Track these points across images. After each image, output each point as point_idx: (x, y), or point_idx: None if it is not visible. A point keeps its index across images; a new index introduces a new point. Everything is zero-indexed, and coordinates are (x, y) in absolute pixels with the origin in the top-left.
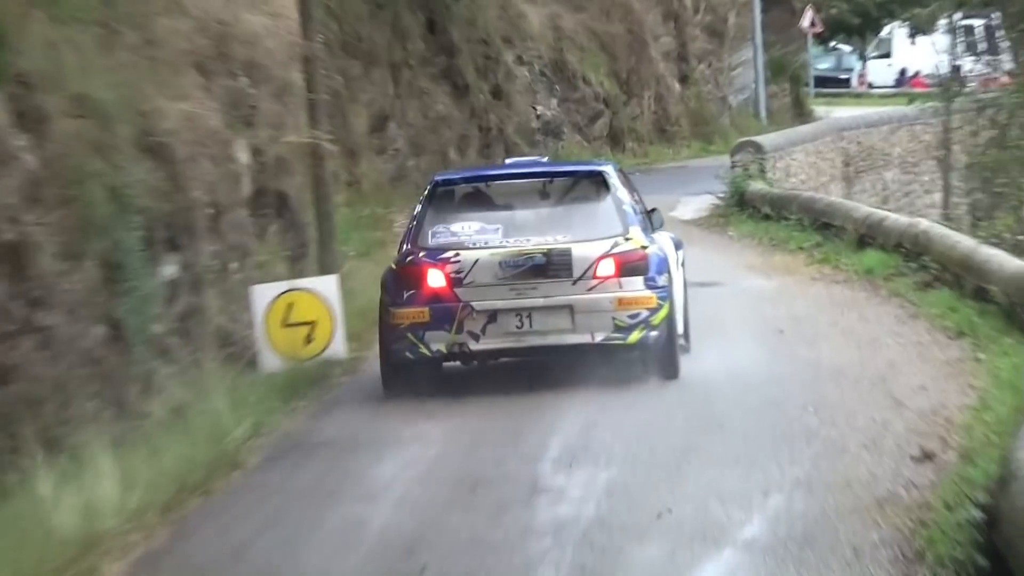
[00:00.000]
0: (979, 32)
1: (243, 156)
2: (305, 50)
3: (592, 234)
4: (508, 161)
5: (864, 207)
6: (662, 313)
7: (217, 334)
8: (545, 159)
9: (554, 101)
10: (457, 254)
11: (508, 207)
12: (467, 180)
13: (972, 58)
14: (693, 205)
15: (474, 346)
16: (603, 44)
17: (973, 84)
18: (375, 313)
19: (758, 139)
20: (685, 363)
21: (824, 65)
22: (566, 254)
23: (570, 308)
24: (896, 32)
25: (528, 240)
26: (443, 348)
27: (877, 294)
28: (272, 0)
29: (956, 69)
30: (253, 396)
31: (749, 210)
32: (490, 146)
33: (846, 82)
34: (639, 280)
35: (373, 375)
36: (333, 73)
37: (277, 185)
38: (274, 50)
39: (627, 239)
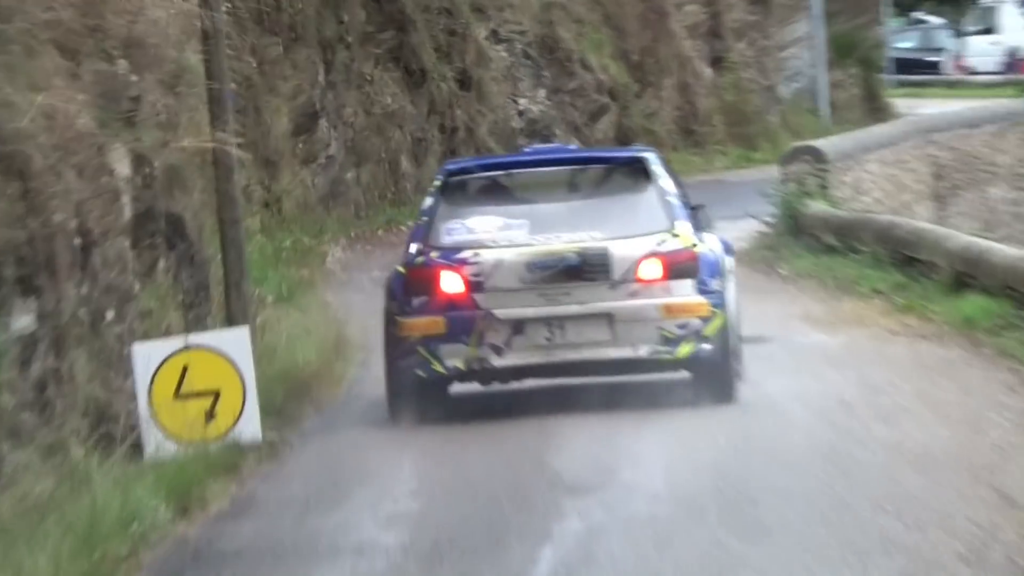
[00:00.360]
0: None
1: (122, 167)
2: (205, 22)
3: (633, 230)
4: (528, 148)
5: (962, 235)
6: (716, 322)
7: (87, 408)
8: (573, 146)
9: (542, 92)
10: (476, 254)
11: (534, 200)
12: (485, 168)
13: None
14: (731, 233)
15: (497, 362)
16: (608, 15)
17: None
18: (301, 377)
19: (818, 144)
20: (725, 442)
21: (907, 44)
22: (603, 253)
23: (609, 317)
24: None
25: (558, 237)
26: (460, 364)
27: (979, 354)
28: None
29: None
30: (136, 491)
31: (806, 239)
32: (456, 152)
33: (936, 66)
34: (689, 284)
35: (302, 465)
36: (244, 54)
37: (168, 206)
38: (163, 22)
39: (674, 235)
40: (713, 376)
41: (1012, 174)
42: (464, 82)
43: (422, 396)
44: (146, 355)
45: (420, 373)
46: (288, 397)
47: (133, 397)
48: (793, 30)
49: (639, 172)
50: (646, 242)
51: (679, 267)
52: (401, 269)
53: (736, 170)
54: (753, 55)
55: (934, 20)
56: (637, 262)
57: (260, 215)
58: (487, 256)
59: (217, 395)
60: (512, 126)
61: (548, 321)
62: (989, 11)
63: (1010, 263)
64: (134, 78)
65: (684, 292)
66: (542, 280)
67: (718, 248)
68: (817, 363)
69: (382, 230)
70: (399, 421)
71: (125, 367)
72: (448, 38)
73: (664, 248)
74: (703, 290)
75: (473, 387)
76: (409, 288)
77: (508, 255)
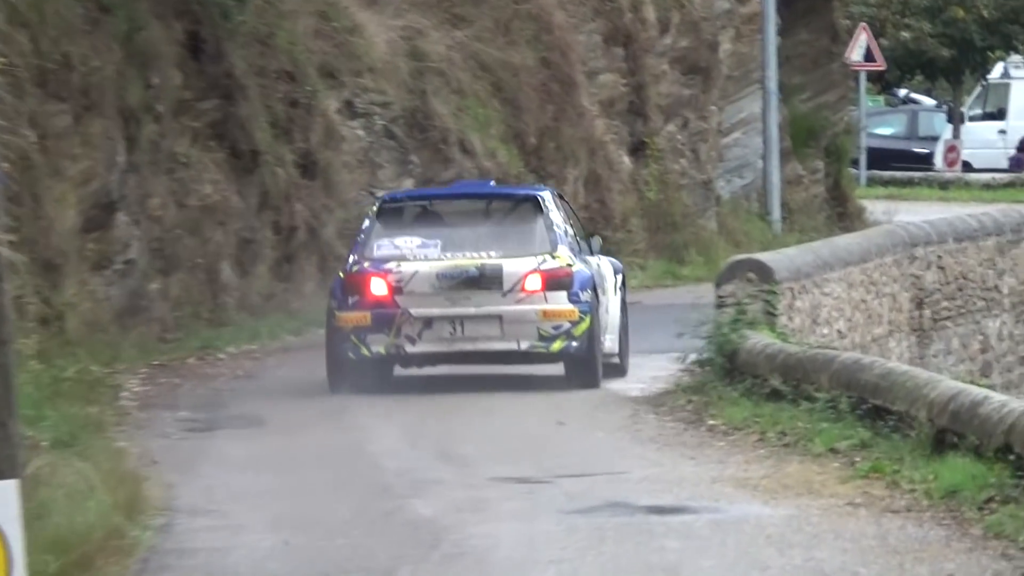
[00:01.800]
0: None
1: None
2: None
3: (522, 251)
4: (455, 183)
5: (949, 380)
6: (583, 325)
7: None
8: (492, 182)
9: (409, 182)
10: (399, 265)
11: (449, 225)
12: (412, 198)
13: None
14: (647, 371)
15: (410, 349)
16: (498, 84)
17: None
18: (82, 545)
19: (765, 258)
20: None
21: (888, 130)
22: (497, 268)
23: (499, 318)
24: (1018, 73)
25: (464, 255)
26: (382, 350)
27: (965, 534)
28: None
29: None
30: None
31: (745, 381)
32: (292, 260)
33: (925, 160)
34: (563, 295)
35: None
36: (20, 124)
37: None
38: None
39: (554, 257)
40: (580, 367)
41: (1018, 301)
42: (307, 168)
43: (359, 375)
44: None
45: (351, 355)
46: (64, 571)
47: None
48: (739, 109)
49: (534, 206)
50: (531, 261)
51: (555, 281)
52: (342, 274)
53: (658, 289)
54: (686, 140)
55: (923, 99)
56: (523, 276)
57: (37, 336)
58: (407, 267)
59: None
60: None
61: (452, 319)
62: (999, 89)
63: (1010, 418)
64: None
65: (559, 301)
66: (449, 287)
67: (607, 268)
68: (752, 543)
69: (195, 358)
70: (337, 392)
71: None
72: (288, 110)
73: (545, 266)
74: (574, 300)
75: (413, 371)
76: (346, 289)
77: (424, 267)
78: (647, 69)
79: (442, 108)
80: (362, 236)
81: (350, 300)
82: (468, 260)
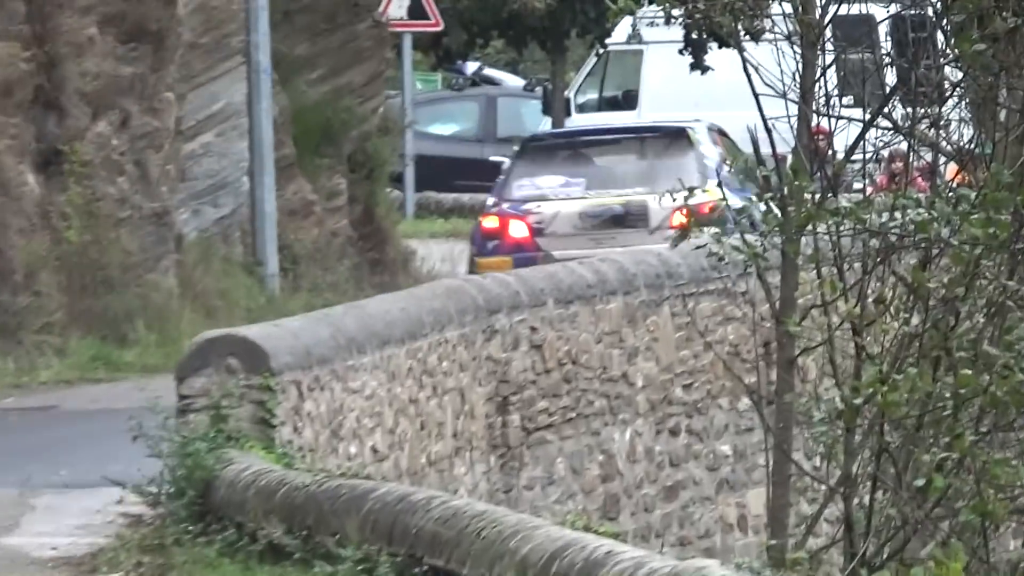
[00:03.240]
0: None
1: None
2: None
3: (670, 187)
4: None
5: (549, 526)
6: None
7: None
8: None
9: None
10: (539, 205)
11: (593, 162)
12: (556, 136)
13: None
14: (69, 516)
15: None
16: None
17: (858, 182)
18: None
19: (254, 335)
20: None
21: (449, 127)
22: (643, 204)
23: None
24: (653, 35)
25: (608, 192)
26: None
27: None
28: None
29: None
30: None
31: (229, 530)
32: None
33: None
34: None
35: None
36: None
37: None
38: None
39: (704, 192)
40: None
41: (660, 400)
42: None
43: None
44: None
45: None
46: None
47: None
48: (211, 97)
49: (684, 139)
50: (678, 197)
51: (704, 217)
52: (479, 219)
53: (86, 385)
54: (127, 148)
55: (507, 80)
56: (671, 212)
57: None
58: (547, 207)
59: None
60: None
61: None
62: (624, 61)
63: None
64: None
65: None
66: (592, 227)
67: None
68: None
69: None
70: None
71: None
72: None
73: (693, 201)
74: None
75: None
76: (485, 234)
77: (564, 207)
78: (63, 34)
79: None
80: (502, 178)
81: (489, 245)
82: (612, 198)
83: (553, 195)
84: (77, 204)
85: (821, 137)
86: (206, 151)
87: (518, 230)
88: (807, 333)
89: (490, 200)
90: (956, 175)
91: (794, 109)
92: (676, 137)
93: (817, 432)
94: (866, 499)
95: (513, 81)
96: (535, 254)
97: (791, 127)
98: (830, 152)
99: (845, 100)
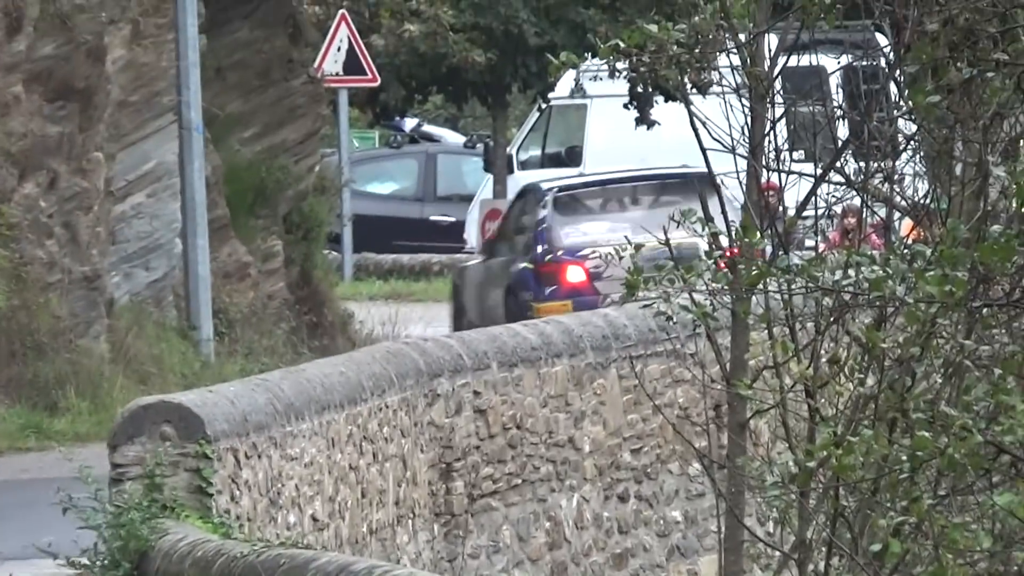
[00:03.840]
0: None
1: None
2: None
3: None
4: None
5: None
6: None
7: None
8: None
9: None
10: (593, 251)
11: (628, 208)
12: (586, 185)
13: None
14: None
15: None
16: None
17: (810, 238)
18: None
19: (189, 401)
20: None
21: (387, 185)
22: (694, 247)
23: None
24: (598, 90)
25: (655, 237)
26: None
27: None
28: None
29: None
30: None
31: None
32: None
33: (449, 232)
34: None
35: None
36: None
37: None
38: None
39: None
40: None
41: (608, 465)
42: None
43: None
44: None
45: None
46: None
47: None
48: (142, 156)
49: (708, 184)
50: (722, 239)
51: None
52: (531, 265)
53: (15, 455)
54: (55, 210)
55: (447, 136)
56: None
57: None
58: (602, 252)
59: None
60: None
61: None
62: (567, 116)
63: None
64: None
65: None
66: (648, 270)
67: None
68: None
69: None
70: None
71: None
72: None
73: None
74: None
75: None
76: (541, 279)
77: (620, 251)
78: None
79: None
80: (544, 227)
81: (547, 290)
82: (663, 242)
83: (603, 241)
84: (4, 268)
85: (771, 193)
86: (137, 212)
87: (575, 275)
88: (759, 395)
89: (540, 247)
90: (911, 231)
91: (743, 164)
92: (702, 181)
93: (770, 497)
94: (821, 565)
95: (453, 138)
96: (594, 297)
97: (740, 183)
98: (781, 208)
99: (796, 154)
